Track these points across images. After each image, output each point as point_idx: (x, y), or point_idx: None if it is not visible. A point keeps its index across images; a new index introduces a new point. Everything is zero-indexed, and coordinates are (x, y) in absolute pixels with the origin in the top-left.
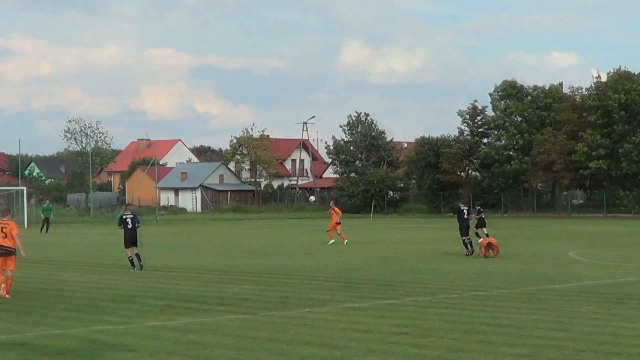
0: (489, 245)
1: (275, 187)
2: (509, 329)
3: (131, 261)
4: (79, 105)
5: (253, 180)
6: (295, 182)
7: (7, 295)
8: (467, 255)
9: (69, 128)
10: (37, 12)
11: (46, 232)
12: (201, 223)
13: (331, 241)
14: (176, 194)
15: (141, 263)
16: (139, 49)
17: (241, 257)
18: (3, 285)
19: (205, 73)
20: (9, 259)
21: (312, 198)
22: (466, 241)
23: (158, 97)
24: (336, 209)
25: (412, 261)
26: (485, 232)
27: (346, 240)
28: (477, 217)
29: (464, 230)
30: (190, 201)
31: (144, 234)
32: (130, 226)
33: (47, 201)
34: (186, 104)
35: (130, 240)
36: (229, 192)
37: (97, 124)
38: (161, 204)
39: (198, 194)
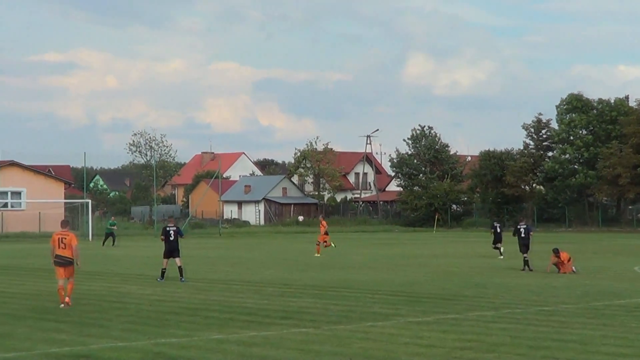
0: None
1: (339, 200)
2: (574, 345)
3: (163, 272)
4: (144, 118)
5: (316, 193)
6: (359, 196)
7: (66, 299)
8: (522, 270)
9: (134, 141)
10: (103, 26)
11: (112, 245)
12: (264, 236)
13: (316, 255)
14: (239, 207)
15: (182, 279)
16: (204, 63)
17: (304, 271)
18: (67, 299)
19: (269, 86)
20: (67, 268)
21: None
22: (526, 258)
23: (222, 110)
24: (323, 222)
25: (476, 275)
26: (502, 248)
27: (317, 255)
28: (492, 232)
29: (521, 247)
30: (253, 214)
31: (207, 247)
32: (172, 238)
33: (112, 217)
34: (250, 117)
35: (169, 251)
36: (292, 206)
37: (161, 137)
38: (224, 217)
39: (261, 207)
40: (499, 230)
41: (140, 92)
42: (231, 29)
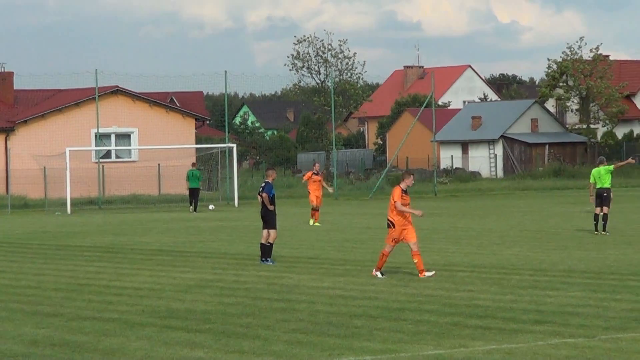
0: None
1: (620, 137)
2: None
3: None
4: (315, 17)
5: (584, 127)
6: None
7: None
8: None
9: (298, 52)
10: None
11: (194, 210)
12: (503, 196)
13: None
14: (464, 151)
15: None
16: None
17: (565, 249)
18: None
19: None
20: None
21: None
22: None
23: (436, 1)
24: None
25: None
26: None
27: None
28: None
29: None
30: (485, 161)
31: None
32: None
33: (194, 165)
34: (482, 10)
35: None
36: (546, 147)
37: (340, 45)
38: (441, 167)
39: (499, 150)
40: None
41: None
42: None
